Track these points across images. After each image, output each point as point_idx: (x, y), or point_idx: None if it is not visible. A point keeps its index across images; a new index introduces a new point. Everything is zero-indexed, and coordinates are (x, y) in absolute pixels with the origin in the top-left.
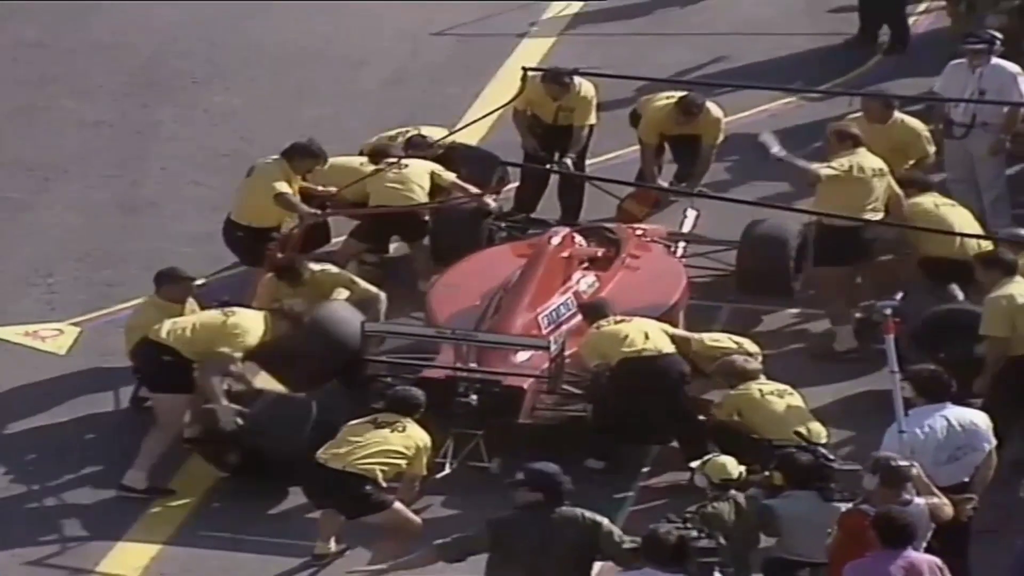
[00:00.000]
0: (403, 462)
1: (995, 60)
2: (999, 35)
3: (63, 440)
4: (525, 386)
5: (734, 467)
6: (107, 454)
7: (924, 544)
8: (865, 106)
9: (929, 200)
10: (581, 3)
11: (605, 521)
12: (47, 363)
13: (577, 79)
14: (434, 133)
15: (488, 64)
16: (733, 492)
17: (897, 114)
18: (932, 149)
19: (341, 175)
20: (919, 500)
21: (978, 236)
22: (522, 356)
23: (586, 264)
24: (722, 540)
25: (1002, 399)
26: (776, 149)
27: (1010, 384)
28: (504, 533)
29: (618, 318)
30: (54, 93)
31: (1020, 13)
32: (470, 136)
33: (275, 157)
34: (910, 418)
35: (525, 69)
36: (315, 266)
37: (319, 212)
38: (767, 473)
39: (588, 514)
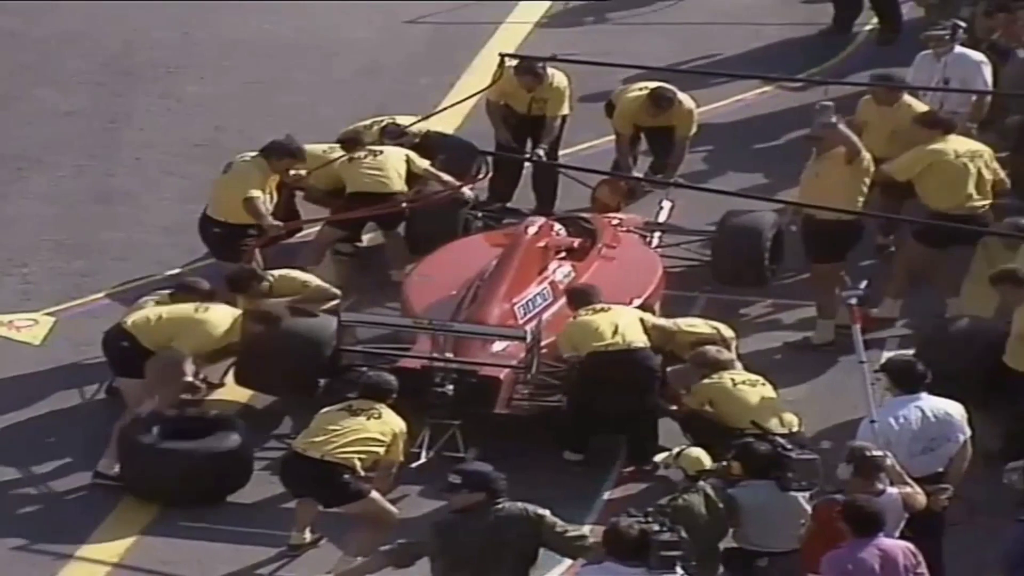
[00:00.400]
0: (380, 449)
1: (959, 49)
2: (962, 24)
3: (38, 430)
4: (501, 376)
5: (707, 458)
6: (82, 444)
7: (897, 533)
8: (872, 88)
9: (951, 148)
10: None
11: (547, 514)
12: (22, 353)
13: (550, 70)
14: (409, 122)
15: (463, 54)
16: (702, 483)
17: (905, 97)
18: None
19: (308, 161)
20: (892, 490)
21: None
22: (498, 346)
23: (563, 254)
24: (683, 534)
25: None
26: None
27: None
28: (450, 535)
29: (597, 307)
30: (27, 83)
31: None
32: (445, 125)
33: (253, 155)
34: (884, 409)
35: (502, 55)
36: (274, 273)
37: (282, 224)
38: (724, 463)
39: (531, 508)
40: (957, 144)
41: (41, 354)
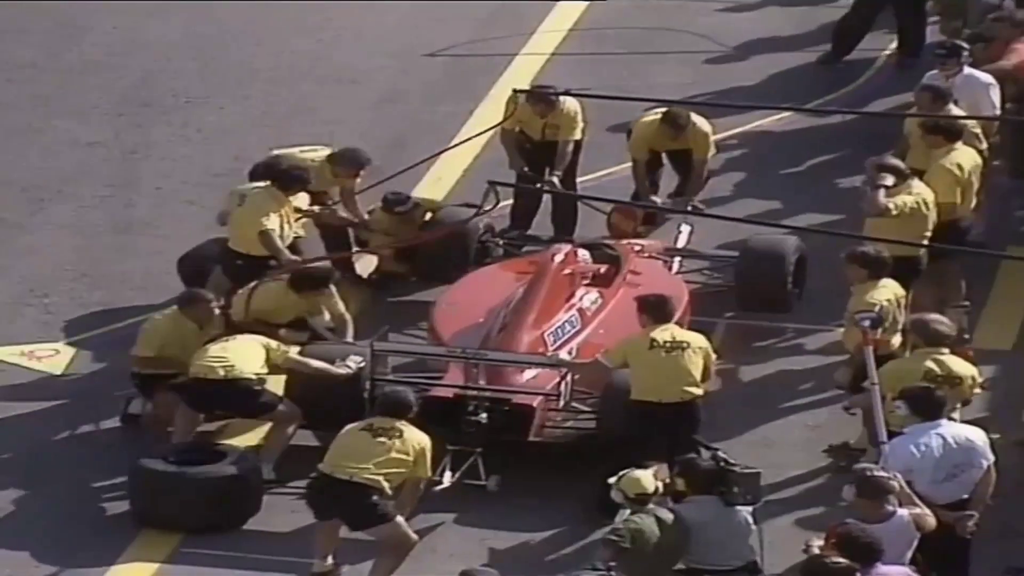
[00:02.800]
0: (406, 468)
1: (968, 70)
2: (965, 45)
3: (58, 460)
4: (535, 404)
5: (650, 482)
6: (102, 473)
7: (910, 554)
8: (917, 98)
9: (955, 159)
10: (574, 23)
11: None
12: (43, 383)
13: (562, 96)
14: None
15: (481, 83)
16: (652, 506)
17: (952, 109)
18: (983, 145)
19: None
20: (902, 511)
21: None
22: (529, 374)
23: (588, 281)
24: None
25: None
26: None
27: None
28: None
29: (667, 338)
30: (48, 114)
31: None
32: (463, 156)
33: (264, 184)
34: (905, 437)
35: (515, 91)
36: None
37: (298, 259)
38: (668, 480)
39: None
40: (963, 155)
41: (62, 384)
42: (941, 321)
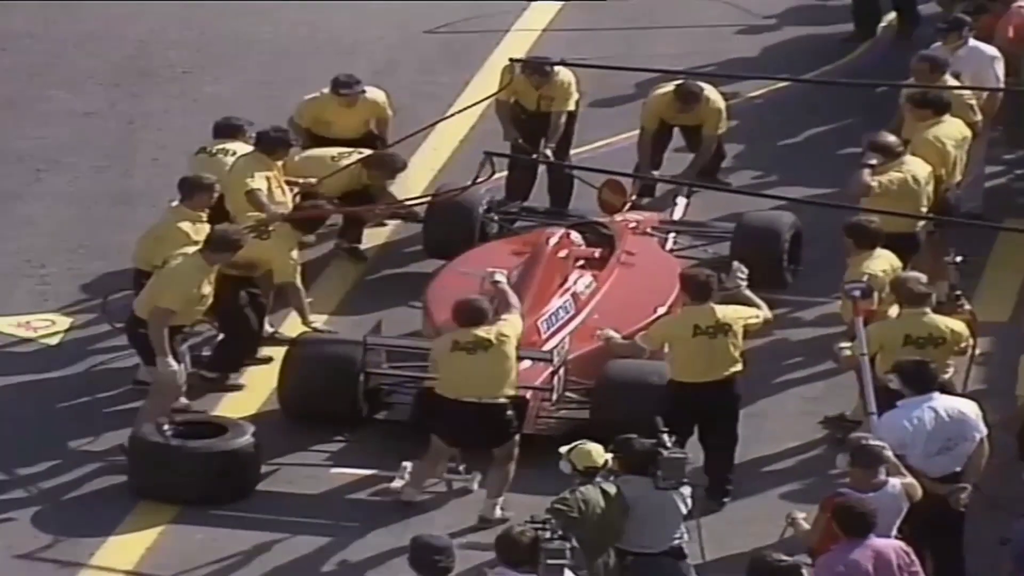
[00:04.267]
0: (515, 374)
1: (973, 43)
2: (967, 19)
3: (55, 431)
4: (527, 396)
5: (599, 454)
6: (99, 444)
7: (897, 524)
8: (914, 69)
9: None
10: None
11: None
12: (39, 353)
13: (557, 68)
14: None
15: (478, 53)
16: (599, 479)
17: (949, 78)
18: (977, 118)
19: (316, 166)
20: (894, 480)
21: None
22: (523, 365)
23: (582, 263)
24: (574, 543)
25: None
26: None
27: None
28: None
29: (711, 321)
30: (44, 84)
31: None
32: (459, 127)
33: (251, 150)
34: (897, 410)
35: (512, 60)
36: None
37: (284, 214)
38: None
39: None
40: (945, 128)
41: (58, 354)
42: (918, 280)
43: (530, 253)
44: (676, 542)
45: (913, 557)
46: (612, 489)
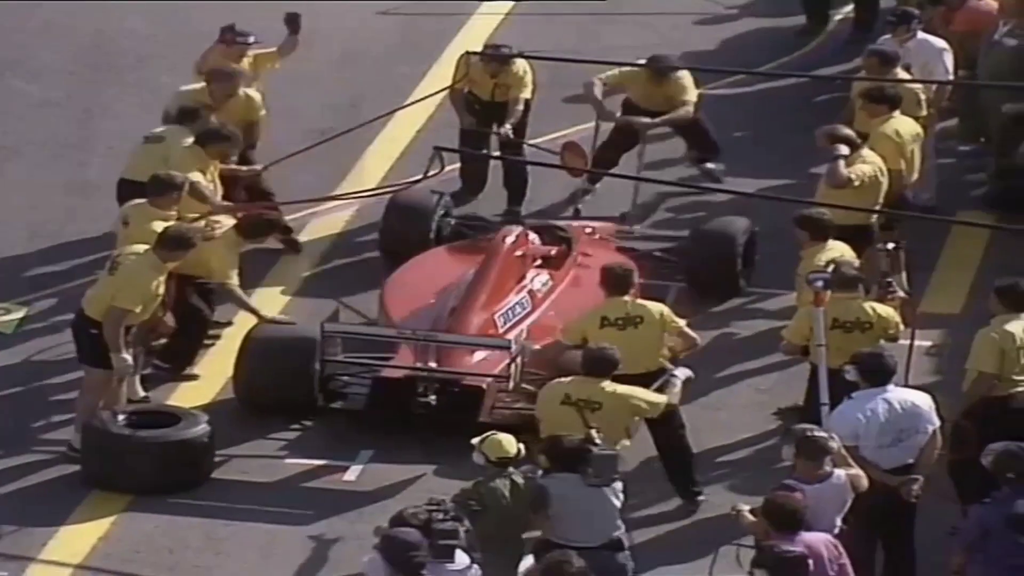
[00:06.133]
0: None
1: (922, 35)
2: (916, 11)
3: (7, 420)
4: (484, 386)
5: (511, 445)
6: (52, 433)
7: (841, 515)
8: (865, 63)
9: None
10: None
11: None
12: None
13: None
14: None
15: (436, 43)
16: (511, 470)
17: (899, 73)
18: (923, 112)
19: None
20: (839, 471)
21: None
22: (480, 355)
23: (539, 262)
24: (468, 524)
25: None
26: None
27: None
28: None
29: (621, 313)
30: (1, 73)
31: None
32: (416, 116)
33: (188, 143)
34: (851, 402)
35: (468, 53)
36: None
37: (230, 204)
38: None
39: None
40: (902, 124)
41: (12, 343)
42: (851, 265)
43: (488, 250)
44: (613, 535)
45: (841, 550)
46: (521, 480)
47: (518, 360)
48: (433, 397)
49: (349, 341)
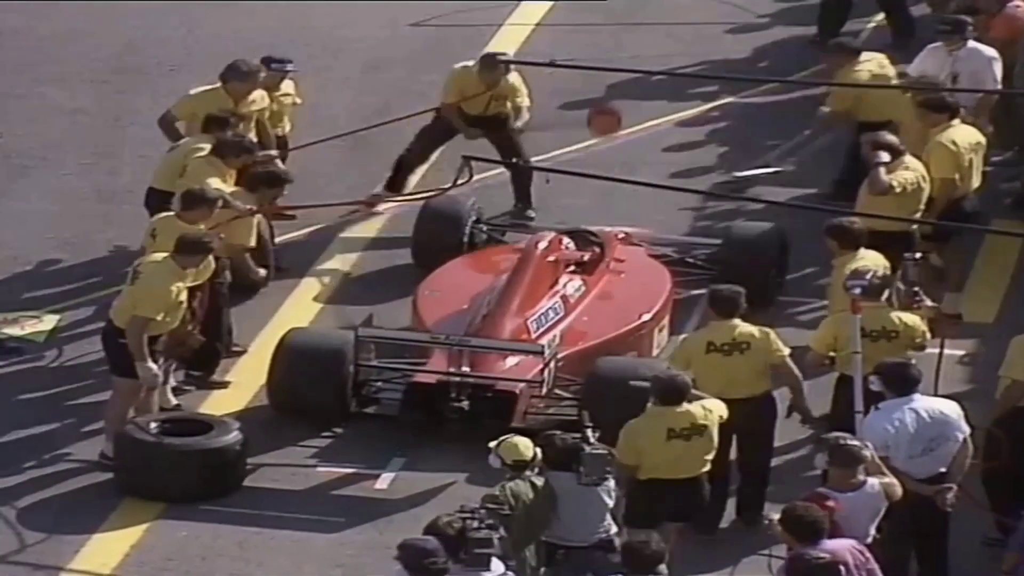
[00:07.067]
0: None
1: (972, 44)
2: (968, 20)
3: (41, 429)
4: (517, 391)
5: (527, 448)
6: (85, 441)
7: (875, 524)
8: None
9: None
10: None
11: None
12: (25, 350)
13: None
14: None
15: (466, 51)
16: (529, 472)
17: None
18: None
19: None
20: (872, 480)
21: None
22: (513, 360)
23: (572, 268)
24: (503, 532)
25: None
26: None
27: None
28: None
29: (727, 338)
30: (32, 80)
31: None
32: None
33: (205, 154)
34: (879, 413)
35: (493, 56)
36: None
37: (253, 209)
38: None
39: None
40: (959, 132)
41: (45, 351)
42: (875, 274)
43: (521, 255)
44: (605, 535)
45: (868, 556)
46: (540, 481)
47: (551, 365)
48: (466, 402)
49: (381, 347)
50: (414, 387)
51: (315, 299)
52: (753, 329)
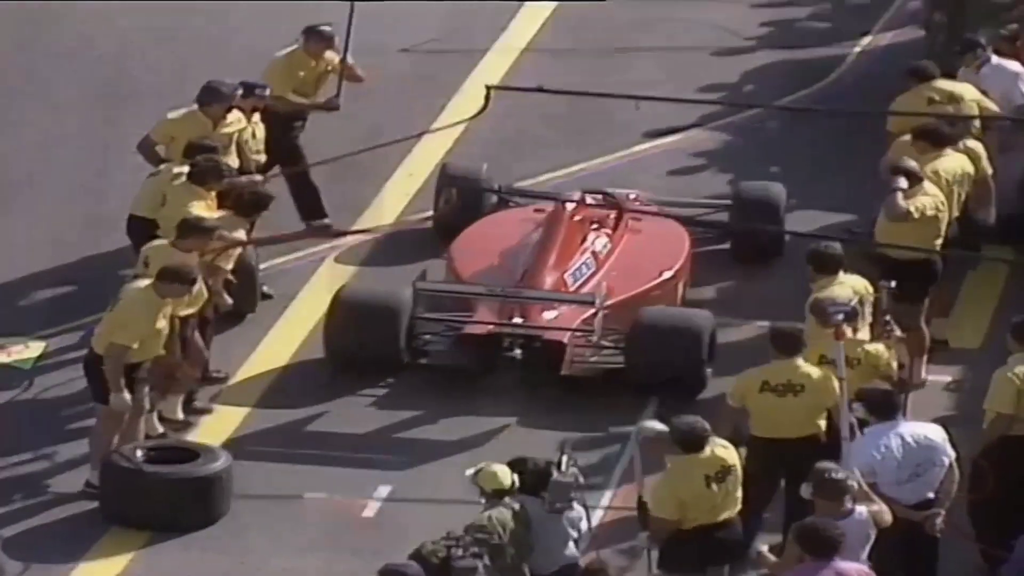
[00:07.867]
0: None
1: (996, 60)
2: (978, 39)
3: (26, 456)
4: (565, 340)
5: (506, 476)
6: (70, 469)
7: (866, 551)
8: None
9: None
10: (547, 16)
11: None
12: (11, 377)
13: None
14: None
15: (454, 77)
16: (509, 500)
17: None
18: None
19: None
20: (860, 508)
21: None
22: (553, 313)
23: (596, 226)
24: (487, 560)
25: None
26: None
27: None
28: None
29: (783, 380)
30: (19, 107)
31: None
32: (434, 151)
33: (182, 181)
34: (864, 440)
35: (488, 88)
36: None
37: (246, 240)
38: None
39: None
40: (944, 162)
41: (31, 378)
42: (833, 302)
43: (551, 214)
44: (566, 563)
45: None
46: (517, 506)
47: (600, 314)
48: (519, 352)
49: (427, 301)
50: (466, 338)
51: (301, 326)
52: (812, 370)
